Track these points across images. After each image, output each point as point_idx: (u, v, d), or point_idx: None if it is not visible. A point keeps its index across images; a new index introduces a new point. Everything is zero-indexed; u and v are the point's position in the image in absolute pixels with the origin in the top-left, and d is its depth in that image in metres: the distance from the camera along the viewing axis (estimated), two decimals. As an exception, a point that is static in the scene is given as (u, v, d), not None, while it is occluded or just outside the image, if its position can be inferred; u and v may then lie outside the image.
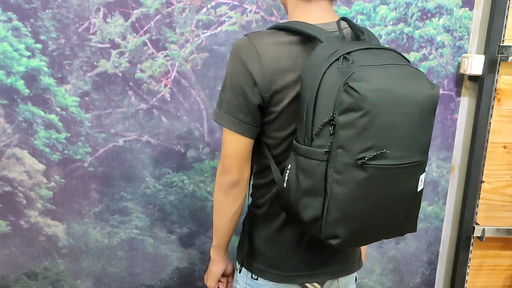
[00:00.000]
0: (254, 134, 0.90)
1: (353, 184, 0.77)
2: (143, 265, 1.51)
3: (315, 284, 0.98)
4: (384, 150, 0.76)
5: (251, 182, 1.00)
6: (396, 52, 0.85)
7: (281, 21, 1.36)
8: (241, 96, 0.87)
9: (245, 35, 0.89)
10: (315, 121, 0.79)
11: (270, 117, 0.89)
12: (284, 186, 0.85)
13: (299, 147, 0.82)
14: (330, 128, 0.77)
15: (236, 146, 0.90)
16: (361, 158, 0.76)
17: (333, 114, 0.76)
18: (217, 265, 1.05)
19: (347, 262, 1.01)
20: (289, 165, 0.85)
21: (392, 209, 0.83)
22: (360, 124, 0.75)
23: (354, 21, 1.39)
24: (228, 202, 0.95)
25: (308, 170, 0.80)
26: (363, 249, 1.15)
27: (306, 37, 0.86)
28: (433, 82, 1.46)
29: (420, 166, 0.83)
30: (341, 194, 0.78)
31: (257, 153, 0.95)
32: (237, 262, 1.04)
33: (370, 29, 1.40)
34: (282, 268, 0.96)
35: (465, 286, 1.61)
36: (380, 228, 0.85)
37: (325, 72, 0.78)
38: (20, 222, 1.43)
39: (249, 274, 1.00)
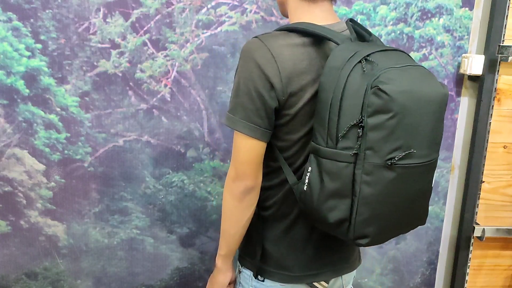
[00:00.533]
0: (268, 138, 0.89)
1: (382, 184, 0.79)
2: (143, 265, 1.51)
3: (323, 283, 0.99)
4: (412, 150, 0.79)
5: None
6: (405, 53, 0.87)
7: (281, 21, 1.36)
8: (258, 100, 0.85)
9: (256, 37, 0.87)
10: (340, 124, 0.79)
11: (284, 120, 0.88)
12: (305, 189, 0.85)
13: (322, 149, 0.82)
14: (359, 130, 0.78)
15: (252, 151, 0.88)
16: (390, 159, 0.78)
17: (361, 117, 0.77)
18: (225, 274, 1.01)
19: (349, 260, 1.02)
20: (310, 168, 0.85)
21: (413, 205, 0.86)
22: (389, 125, 0.77)
23: (354, 21, 1.39)
24: (242, 209, 0.92)
25: (334, 172, 0.81)
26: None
27: (318, 39, 0.87)
28: (433, 82, 1.47)
29: (436, 163, 0.87)
30: (370, 194, 0.80)
31: (267, 155, 0.94)
32: (239, 264, 1.03)
33: (370, 29, 1.40)
34: (291, 269, 0.96)
35: (465, 286, 1.61)
36: (402, 224, 0.88)
37: (349, 74, 0.79)
38: (20, 222, 1.43)
39: (255, 276, 0.99)
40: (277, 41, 0.85)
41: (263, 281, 0.98)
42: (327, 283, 0.99)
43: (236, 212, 0.92)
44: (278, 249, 0.96)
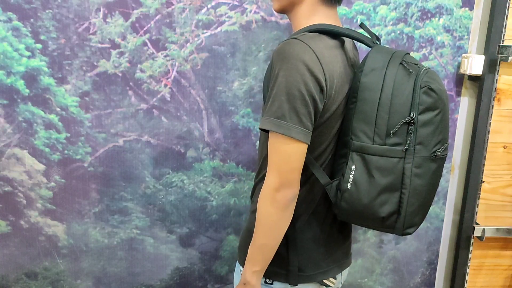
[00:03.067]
0: None
1: (428, 175, 0.88)
2: (143, 265, 1.51)
3: (331, 279, 1.00)
4: (448, 143, 0.90)
5: None
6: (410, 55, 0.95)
7: (281, 21, 1.36)
8: (311, 103, 0.83)
9: (295, 39, 0.85)
10: (390, 121, 0.85)
11: (320, 122, 0.89)
12: (349, 187, 0.88)
13: (370, 147, 0.86)
14: (410, 127, 0.85)
15: (301, 156, 0.85)
16: (434, 152, 0.87)
17: (412, 114, 0.84)
18: None
19: (348, 255, 1.07)
20: (353, 166, 0.87)
21: (436, 191, 0.95)
22: (436, 121, 0.86)
23: (354, 21, 1.40)
24: (286, 218, 0.88)
25: (387, 168, 0.86)
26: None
27: (342, 41, 0.91)
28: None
29: None
30: (420, 185, 0.87)
31: None
32: (240, 267, 1.01)
33: (370, 29, 1.40)
34: (303, 269, 0.96)
35: (465, 286, 1.61)
36: (428, 209, 0.96)
37: (396, 74, 0.85)
38: (20, 222, 1.43)
39: (263, 279, 0.97)
40: (317, 43, 0.86)
41: (271, 283, 0.96)
42: (335, 279, 1.01)
43: (280, 223, 0.88)
44: (291, 250, 0.96)
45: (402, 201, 0.88)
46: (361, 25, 0.95)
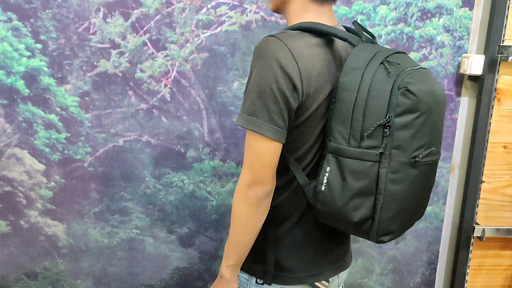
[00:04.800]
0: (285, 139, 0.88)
1: (408, 181, 0.83)
2: (143, 265, 1.51)
3: (324, 282, 0.98)
4: (432, 148, 0.83)
5: None
6: (407, 55, 0.90)
7: (281, 21, 1.36)
8: (282, 101, 0.83)
9: (273, 36, 0.85)
10: (365, 123, 0.81)
11: (299, 121, 0.87)
12: (323, 189, 0.86)
13: (345, 149, 0.83)
14: (385, 130, 0.80)
15: (273, 154, 0.85)
16: (415, 157, 0.81)
17: (388, 116, 0.79)
18: (233, 285, 0.96)
19: (344, 257, 1.03)
20: (328, 168, 0.85)
21: (424, 199, 0.91)
22: (416, 124, 0.80)
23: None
24: (258, 215, 0.89)
25: (360, 171, 0.82)
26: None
27: (329, 39, 0.88)
28: (433, 82, 1.47)
29: None
30: (397, 191, 0.83)
31: None
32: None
33: (370, 29, 1.40)
34: (292, 270, 0.95)
35: (465, 286, 1.61)
36: (414, 218, 0.92)
37: (373, 75, 0.81)
38: (20, 222, 1.43)
39: (253, 279, 0.97)
40: (296, 41, 0.84)
41: (262, 284, 0.96)
42: (328, 282, 0.99)
43: (251, 219, 0.89)
44: (280, 251, 0.95)
45: (376, 206, 0.83)
46: (354, 23, 0.92)
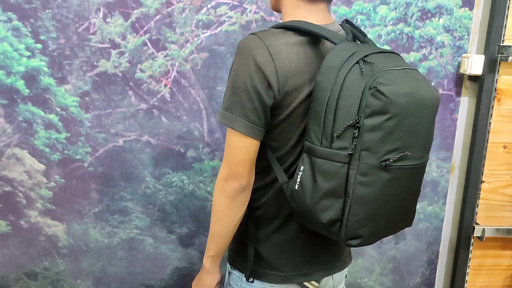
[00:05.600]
0: (263, 137, 0.88)
1: (378, 185, 0.80)
2: (143, 265, 1.51)
3: (313, 282, 0.98)
4: (407, 152, 0.79)
5: None
6: (400, 56, 0.88)
7: (281, 21, 1.36)
8: (256, 98, 0.84)
9: (254, 34, 0.86)
10: (336, 124, 0.79)
11: (278, 119, 0.87)
12: (296, 188, 0.85)
13: (317, 149, 0.81)
14: (355, 131, 0.78)
15: (248, 150, 0.86)
16: (385, 160, 0.78)
17: (358, 117, 0.77)
18: (213, 276, 1.00)
19: (340, 258, 1.02)
20: (302, 167, 0.84)
21: (404, 206, 0.87)
22: (387, 127, 0.77)
23: (354, 21, 1.39)
24: (235, 209, 0.91)
25: (329, 172, 0.81)
26: None
27: (314, 38, 0.86)
28: (433, 82, 1.47)
29: (426, 165, 0.89)
30: (365, 195, 0.80)
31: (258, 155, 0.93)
32: (228, 266, 1.03)
33: (370, 29, 1.40)
34: (281, 269, 0.96)
35: (465, 286, 1.61)
36: (393, 225, 0.88)
37: (346, 74, 0.78)
38: (20, 222, 1.43)
39: (244, 277, 0.98)
40: (275, 39, 0.84)
41: (252, 282, 0.97)
42: (318, 283, 0.99)
43: (229, 212, 0.91)
44: (268, 250, 0.96)
45: (345, 209, 0.81)
46: (343, 22, 0.90)
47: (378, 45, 1.41)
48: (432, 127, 0.85)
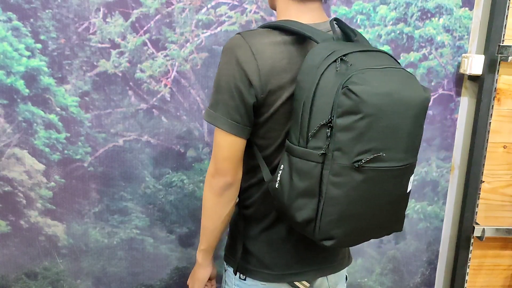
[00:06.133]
0: (248, 135, 0.89)
1: (350, 186, 0.78)
2: (143, 265, 1.51)
3: (304, 282, 0.98)
4: (381, 153, 0.77)
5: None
6: (389, 54, 0.86)
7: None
8: (237, 97, 0.85)
9: (239, 34, 0.87)
10: (312, 123, 0.79)
11: (263, 118, 0.88)
12: (276, 186, 0.85)
13: (294, 148, 0.81)
14: (328, 130, 0.77)
15: (232, 147, 0.88)
16: (358, 161, 0.76)
17: (331, 117, 0.76)
18: (205, 269, 1.03)
19: (335, 259, 1.01)
20: (282, 166, 0.85)
21: (386, 209, 0.84)
22: (359, 127, 0.75)
23: (354, 21, 1.39)
24: (221, 204, 0.93)
25: (304, 171, 0.80)
26: None
27: (300, 37, 0.86)
28: (433, 82, 1.46)
29: (412, 168, 0.85)
30: (338, 196, 0.78)
31: (246, 153, 0.94)
32: (225, 263, 1.04)
33: (370, 29, 1.40)
34: (272, 267, 0.96)
35: (465, 286, 1.61)
36: (374, 228, 0.86)
37: (322, 73, 0.78)
38: (20, 222, 1.43)
39: (237, 274, 0.99)
40: (259, 39, 0.85)
41: (244, 279, 0.98)
42: (309, 283, 0.98)
43: (215, 207, 0.93)
44: (259, 248, 0.97)
45: (318, 209, 0.80)
46: (331, 21, 0.88)
47: (377, 45, 1.41)
48: (418, 128, 0.82)
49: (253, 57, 0.84)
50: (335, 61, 0.78)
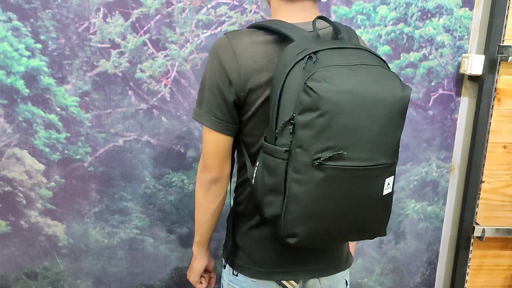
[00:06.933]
0: (233, 132, 0.92)
1: (312, 184, 0.77)
2: (143, 265, 1.51)
3: (292, 282, 0.97)
4: (341, 151, 0.76)
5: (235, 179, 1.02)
6: (370, 52, 0.84)
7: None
8: (219, 95, 0.88)
9: (224, 34, 0.90)
10: (279, 120, 0.80)
11: (247, 116, 0.90)
12: (252, 183, 0.88)
13: (265, 145, 0.84)
14: (290, 127, 0.77)
15: (216, 144, 0.91)
16: (317, 159, 0.76)
17: (293, 114, 0.77)
18: (199, 261, 1.07)
19: (328, 262, 0.99)
20: (257, 163, 0.87)
21: (358, 211, 0.82)
22: (318, 124, 0.75)
23: (354, 21, 1.39)
24: (209, 199, 0.97)
25: (272, 168, 0.82)
26: (351, 246, 1.14)
27: (282, 37, 0.87)
28: (433, 82, 1.46)
29: (387, 169, 0.82)
30: (300, 193, 0.78)
31: (238, 150, 0.97)
32: (223, 259, 1.06)
33: (370, 29, 1.40)
34: (260, 264, 0.97)
35: (465, 286, 1.61)
36: (346, 230, 0.84)
37: (289, 71, 0.78)
38: (20, 222, 1.43)
39: (231, 270, 1.01)
40: (241, 39, 0.87)
41: (236, 275, 1.00)
42: (297, 283, 0.98)
43: (204, 202, 0.97)
44: (249, 244, 0.98)
45: (283, 205, 0.80)
46: (314, 19, 0.88)
47: (377, 45, 1.41)
48: (392, 128, 0.79)
49: (234, 57, 0.86)
50: (303, 58, 0.78)
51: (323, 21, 0.89)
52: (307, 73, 0.76)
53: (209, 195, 0.96)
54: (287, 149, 0.78)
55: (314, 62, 0.77)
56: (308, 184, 0.77)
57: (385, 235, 0.90)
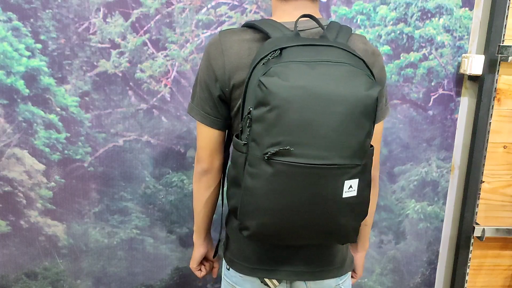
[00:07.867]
0: (222, 126, 0.95)
1: (263, 178, 0.78)
2: (143, 265, 1.51)
3: (274, 281, 0.97)
4: (288, 147, 0.75)
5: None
6: (346, 50, 0.82)
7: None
8: (206, 90, 0.92)
9: (218, 32, 0.93)
10: (244, 114, 0.82)
11: (234, 111, 0.92)
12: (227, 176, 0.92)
13: (233, 138, 0.86)
14: (248, 121, 0.79)
15: (206, 137, 0.95)
16: (267, 153, 0.77)
17: (250, 108, 0.79)
18: (198, 249, 1.10)
19: (316, 265, 0.96)
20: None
21: (315, 211, 0.80)
22: (269, 118, 0.76)
23: (354, 21, 1.39)
24: (201, 189, 1.01)
25: (234, 160, 0.85)
26: (360, 259, 1.14)
27: (266, 35, 0.88)
28: (433, 82, 1.46)
29: (346, 171, 0.78)
30: (253, 187, 0.80)
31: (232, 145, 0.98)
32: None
33: (370, 29, 1.40)
34: (248, 260, 0.98)
35: (465, 286, 1.61)
36: (304, 229, 0.82)
37: (255, 66, 0.80)
38: (20, 222, 1.43)
39: (226, 264, 1.04)
40: (231, 37, 0.90)
41: (228, 269, 1.02)
42: (279, 283, 0.97)
43: (196, 192, 1.02)
44: (238, 239, 0.99)
45: (240, 198, 0.82)
46: (306, 16, 0.89)
47: (377, 45, 1.41)
48: (352, 127, 0.76)
49: (222, 54, 0.89)
50: (268, 54, 0.79)
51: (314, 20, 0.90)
52: (266, 68, 0.78)
53: (201, 185, 1.00)
54: (245, 142, 0.80)
55: (276, 58, 0.78)
56: (259, 178, 0.78)
57: (354, 241, 0.87)
